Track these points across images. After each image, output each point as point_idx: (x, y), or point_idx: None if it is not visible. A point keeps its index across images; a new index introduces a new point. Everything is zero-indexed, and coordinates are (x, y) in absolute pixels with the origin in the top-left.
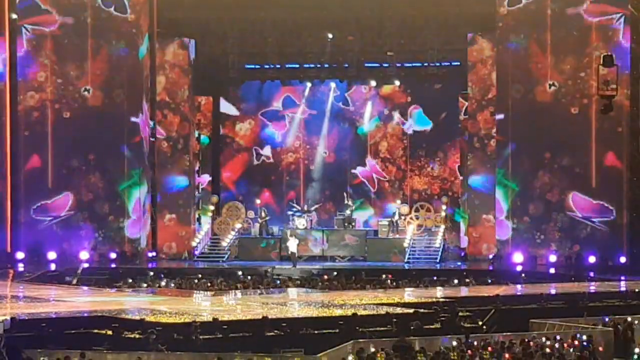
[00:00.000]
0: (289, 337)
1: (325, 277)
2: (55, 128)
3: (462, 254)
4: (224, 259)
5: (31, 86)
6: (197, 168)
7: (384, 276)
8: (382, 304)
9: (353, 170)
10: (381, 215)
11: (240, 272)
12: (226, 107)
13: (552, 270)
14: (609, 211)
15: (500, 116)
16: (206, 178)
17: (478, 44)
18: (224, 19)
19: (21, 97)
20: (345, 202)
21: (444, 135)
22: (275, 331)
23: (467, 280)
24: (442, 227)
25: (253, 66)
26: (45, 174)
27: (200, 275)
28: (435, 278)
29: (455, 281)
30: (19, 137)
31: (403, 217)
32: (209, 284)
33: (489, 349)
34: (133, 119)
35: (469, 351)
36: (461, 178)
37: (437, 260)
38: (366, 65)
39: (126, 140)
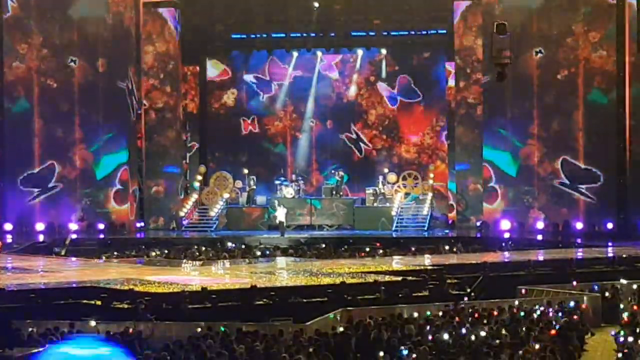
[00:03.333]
0: (278, 306)
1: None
2: (40, 99)
3: (450, 222)
4: (212, 229)
5: (16, 57)
6: (184, 138)
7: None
8: (371, 272)
9: (341, 135)
10: (368, 184)
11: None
12: (213, 77)
13: (539, 237)
14: (597, 177)
15: (487, 83)
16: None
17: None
18: None
19: (6, 69)
20: (332, 171)
21: (431, 102)
22: (264, 300)
23: (455, 247)
24: (430, 195)
25: (239, 36)
26: (31, 145)
27: (196, 246)
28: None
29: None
30: (3, 108)
31: (390, 186)
32: (197, 254)
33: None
34: (119, 84)
35: (457, 318)
36: (448, 142)
37: (425, 228)
38: (352, 34)
39: (112, 110)
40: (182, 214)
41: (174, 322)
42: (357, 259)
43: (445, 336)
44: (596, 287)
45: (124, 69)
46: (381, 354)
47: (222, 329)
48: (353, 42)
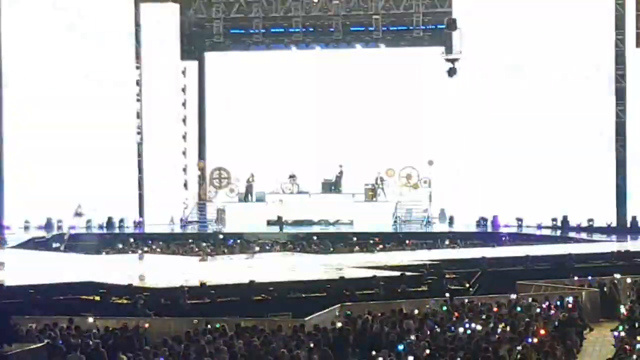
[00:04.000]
0: (277, 301)
1: (316, 237)
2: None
3: (449, 217)
4: (211, 224)
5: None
6: (183, 134)
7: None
8: (369, 267)
9: (340, 131)
10: (367, 179)
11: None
12: (211, 72)
13: (538, 232)
14: (596, 172)
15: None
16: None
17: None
18: None
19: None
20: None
21: (430, 98)
22: (263, 295)
23: (454, 242)
24: (429, 190)
25: (238, 31)
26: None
27: (190, 240)
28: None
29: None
30: (1, 101)
31: (388, 181)
32: (196, 249)
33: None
34: (117, 85)
35: (456, 313)
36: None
37: (424, 224)
38: (352, 29)
39: (111, 106)
40: (181, 209)
41: (172, 317)
42: (355, 253)
43: (444, 331)
44: (594, 282)
45: (123, 64)
46: (377, 350)
47: (217, 325)
48: (352, 37)
